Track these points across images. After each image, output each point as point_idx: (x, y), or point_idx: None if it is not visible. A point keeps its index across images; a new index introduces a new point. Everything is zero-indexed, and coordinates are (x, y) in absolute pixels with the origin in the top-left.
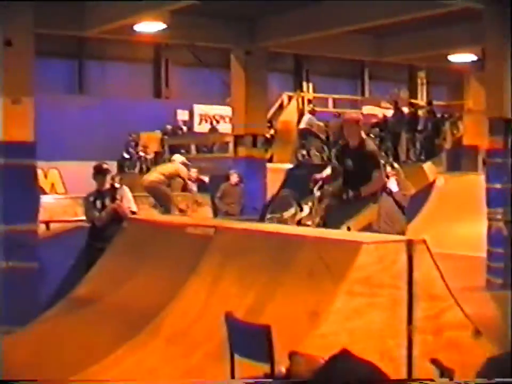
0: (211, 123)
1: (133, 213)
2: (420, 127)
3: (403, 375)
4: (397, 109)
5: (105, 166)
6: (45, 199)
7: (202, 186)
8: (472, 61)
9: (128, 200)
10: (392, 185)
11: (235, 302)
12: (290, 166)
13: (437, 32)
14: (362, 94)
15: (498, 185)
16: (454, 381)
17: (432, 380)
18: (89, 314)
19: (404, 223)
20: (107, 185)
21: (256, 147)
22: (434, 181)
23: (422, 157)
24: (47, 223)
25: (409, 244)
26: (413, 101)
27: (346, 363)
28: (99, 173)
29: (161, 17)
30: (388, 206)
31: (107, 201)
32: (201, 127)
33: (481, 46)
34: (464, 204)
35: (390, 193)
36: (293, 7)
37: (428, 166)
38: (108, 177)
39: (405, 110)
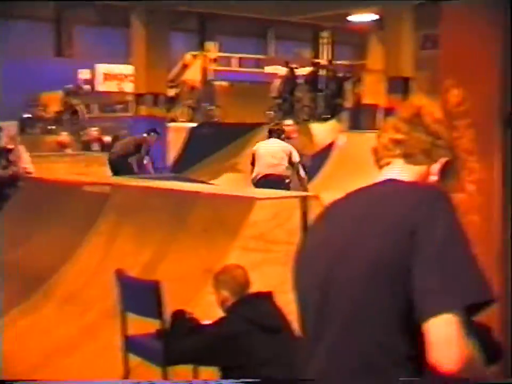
0: (118, 83)
1: (29, 173)
2: (321, 86)
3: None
4: (291, 69)
5: None
6: None
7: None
8: (373, 20)
9: (24, 161)
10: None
11: (130, 260)
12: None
13: None
14: (266, 53)
15: None
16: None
17: None
18: None
19: (305, 181)
20: (2, 144)
21: (158, 106)
22: (335, 140)
23: (325, 116)
24: None
25: (304, 200)
26: (316, 60)
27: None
28: None
29: None
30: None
31: (3, 161)
32: (105, 86)
33: (381, 6)
34: (364, 161)
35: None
36: None
37: (330, 124)
38: (4, 137)
39: (307, 69)
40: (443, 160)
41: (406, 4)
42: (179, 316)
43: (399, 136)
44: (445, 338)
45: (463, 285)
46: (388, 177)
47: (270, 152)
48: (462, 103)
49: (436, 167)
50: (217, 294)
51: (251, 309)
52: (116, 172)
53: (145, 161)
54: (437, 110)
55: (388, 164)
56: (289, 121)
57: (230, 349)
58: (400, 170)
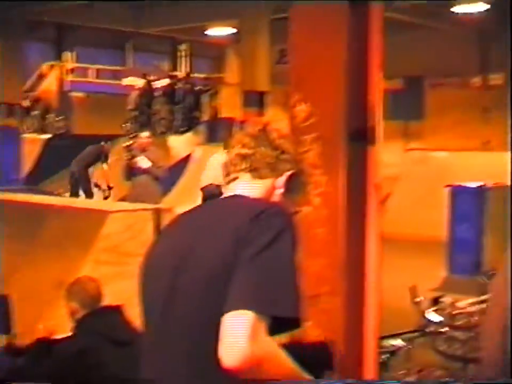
0: None
1: None
2: (179, 99)
3: None
4: (148, 81)
5: None
6: None
7: None
8: (231, 34)
9: None
10: (142, 162)
11: None
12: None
13: (196, 5)
14: (125, 65)
15: None
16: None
17: None
18: None
19: (159, 193)
20: None
21: (12, 117)
22: (191, 153)
23: (182, 129)
24: None
25: (157, 213)
26: (174, 73)
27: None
28: None
29: None
30: (142, 181)
31: None
32: None
33: (238, 20)
34: (220, 174)
35: (143, 170)
36: None
37: (187, 137)
38: None
39: (165, 82)
40: (288, 173)
41: (261, 18)
42: (42, 340)
43: (244, 151)
44: (233, 334)
45: (271, 295)
46: (236, 193)
47: None
48: (308, 117)
49: (281, 180)
50: (68, 306)
51: (101, 321)
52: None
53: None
54: (283, 125)
55: (235, 179)
56: (145, 134)
57: (81, 364)
58: (247, 185)
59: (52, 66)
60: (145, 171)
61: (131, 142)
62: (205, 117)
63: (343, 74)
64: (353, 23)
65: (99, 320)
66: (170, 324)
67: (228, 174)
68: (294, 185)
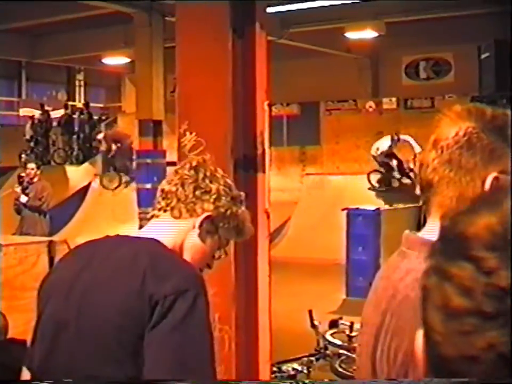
0: None
1: None
2: (76, 129)
3: None
4: (44, 111)
5: None
6: None
7: None
8: (127, 63)
9: None
10: (21, 197)
11: None
12: None
13: (91, 34)
14: (20, 95)
15: (148, 185)
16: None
17: None
18: None
19: (45, 225)
20: None
21: None
22: (90, 183)
23: (80, 159)
24: None
25: (51, 245)
26: (70, 103)
27: None
28: None
29: None
30: (28, 215)
31: None
32: None
33: (133, 49)
34: (118, 204)
35: (23, 204)
36: None
37: (84, 167)
38: None
39: (61, 112)
40: (204, 215)
41: (156, 46)
42: None
43: (168, 187)
44: None
45: (184, 367)
46: (151, 235)
47: None
48: (197, 146)
49: (197, 221)
50: None
51: (4, 353)
52: None
53: None
54: (211, 165)
55: (154, 216)
56: (31, 165)
57: None
58: (164, 225)
59: None
60: (25, 205)
61: (22, 173)
62: (102, 147)
63: (229, 103)
64: (238, 50)
65: (2, 352)
66: (55, 354)
67: (152, 209)
68: (210, 227)
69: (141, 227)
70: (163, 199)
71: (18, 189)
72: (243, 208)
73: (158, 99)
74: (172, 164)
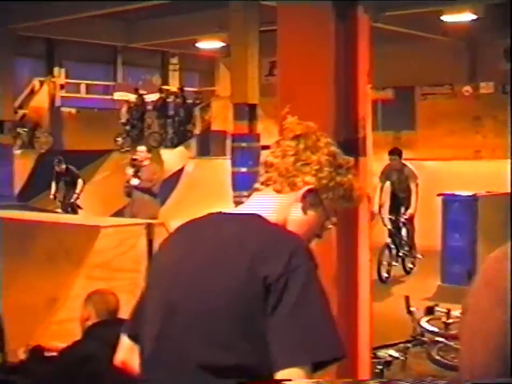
0: None
1: None
2: (171, 113)
3: None
4: (139, 96)
5: None
6: None
7: None
8: (221, 48)
9: None
10: (133, 180)
11: None
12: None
13: (186, 19)
14: (115, 79)
15: (243, 169)
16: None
17: None
18: None
19: (156, 207)
20: None
21: (3, 133)
22: (184, 166)
23: (174, 142)
24: None
25: (149, 228)
26: (164, 87)
27: None
28: None
29: None
30: (138, 197)
31: None
32: None
33: (228, 33)
34: (213, 188)
35: (134, 187)
36: None
37: (179, 150)
38: None
39: (156, 96)
40: (306, 188)
41: (251, 31)
42: (36, 350)
43: (271, 159)
44: None
45: (314, 343)
46: (254, 211)
47: None
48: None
49: (298, 194)
50: (83, 312)
51: (109, 331)
52: None
53: None
54: (317, 137)
55: (256, 190)
56: (141, 148)
57: (85, 369)
58: (265, 199)
59: (43, 82)
60: (136, 188)
61: (134, 157)
62: (197, 130)
63: (332, 86)
64: (341, 34)
65: (108, 330)
66: (166, 339)
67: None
68: (313, 200)
69: None
70: (265, 171)
71: (130, 171)
72: (350, 176)
73: (252, 83)
74: (267, 147)
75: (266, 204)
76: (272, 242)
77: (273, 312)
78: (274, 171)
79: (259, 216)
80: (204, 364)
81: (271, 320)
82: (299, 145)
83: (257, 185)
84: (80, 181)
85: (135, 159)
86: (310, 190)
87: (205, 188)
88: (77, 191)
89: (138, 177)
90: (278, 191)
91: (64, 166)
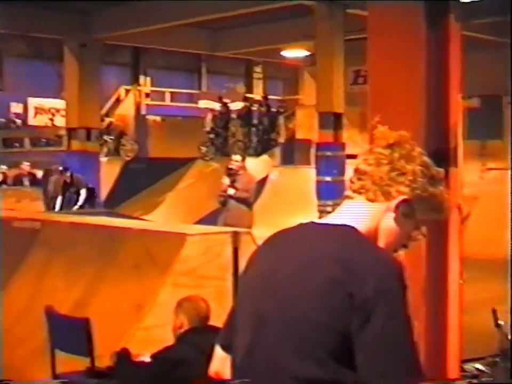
0: (51, 118)
1: None
2: (255, 121)
3: None
4: (224, 104)
5: None
6: None
7: (34, 181)
8: (305, 56)
9: None
10: (229, 189)
11: (61, 296)
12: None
13: (271, 27)
14: (200, 87)
15: (328, 178)
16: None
17: None
18: None
19: (250, 217)
20: None
21: (90, 140)
22: (268, 174)
23: (258, 151)
24: None
25: (235, 236)
26: (248, 95)
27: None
28: None
29: None
30: (233, 206)
31: None
32: (36, 120)
33: (313, 42)
34: (297, 196)
35: (230, 196)
36: None
37: (263, 159)
38: None
39: (239, 104)
40: (401, 198)
41: (337, 39)
42: (123, 353)
43: (363, 167)
44: None
45: (395, 371)
46: (346, 221)
47: None
48: None
49: (392, 204)
50: (176, 319)
51: (201, 338)
52: None
53: None
54: (411, 146)
55: (350, 197)
56: (236, 157)
57: (177, 373)
58: (357, 208)
59: (128, 90)
60: (231, 197)
61: (229, 166)
62: (281, 139)
63: (422, 95)
64: (432, 43)
65: (199, 336)
66: (258, 349)
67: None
68: (406, 210)
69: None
70: (358, 179)
71: (227, 181)
72: (441, 187)
73: (338, 92)
74: (352, 156)
75: (359, 212)
76: (365, 260)
77: (358, 332)
78: (368, 179)
79: (353, 228)
80: (296, 376)
81: (357, 339)
82: (393, 154)
83: (348, 192)
84: (83, 191)
85: (230, 168)
86: (403, 200)
87: (289, 196)
88: (79, 202)
89: (234, 187)
90: (371, 200)
91: (69, 175)
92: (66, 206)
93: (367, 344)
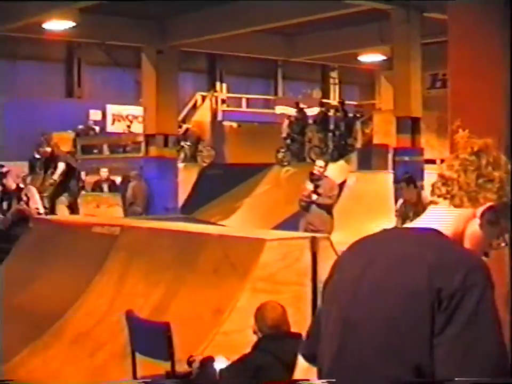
0: (128, 125)
1: (39, 213)
2: (331, 127)
3: None
4: (300, 110)
5: (4, 168)
6: None
7: (113, 187)
8: (382, 61)
9: (35, 201)
10: (313, 195)
11: (141, 300)
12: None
13: (346, 32)
14: (276, 93)
15: None
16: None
17: None
18: None
19: (332, 224)
20: (13, 186)
21: (168, 147)
22: (345, 180)
23: (335, 156)
24: None
25: (313, 241)
26: (325, 100)
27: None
28: None
29: (69, 16)
30: (315, 212)
31: (14, 202)
32: (114, 127)
33: (390, 46)
34: (375, 202)
35: (312, 201)
36: (204, 6)
37: (340, 164)
38: (10, 178)
39: (315, 109)
40: (488, 205)
41: (414, 44)
42: (206, 361)
43: (448, 173)
44: None
45: (485, 366)
46: (431, 226)
47: None
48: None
49: (479, 211)
50: (254, 324)
51: (277, 345)
52: None
53: None
54: (494, 150)
55: (432, 202)
56: (320, 162)
57: (256, 379)
58: (442, 213)
59: (205, 97)
60: (314, 202)
61: (313, 171)
62: (358, 144)
63: (505, 100)
64: None
65: (277, 343)
66: (345, 355)
67: (431, 195)
68: (491, 217)
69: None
70: (443, 185)
71: (310, 187)
72: None
73: (416, 96)
74: (430, 161)
75: (445, 217)
76: (451, 257)
77: (443, 329)
78: (454, 185)
79: (437, 231)
80: (386, 381)
81: (440, 337)
82: (481, 160)
83: (434, 198)
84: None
85: (313, 174)
86: (490, 207)
87: (367, 201)
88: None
89: (318, 193)
90: (457, 206)
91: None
92: None
93: (452, 337)
